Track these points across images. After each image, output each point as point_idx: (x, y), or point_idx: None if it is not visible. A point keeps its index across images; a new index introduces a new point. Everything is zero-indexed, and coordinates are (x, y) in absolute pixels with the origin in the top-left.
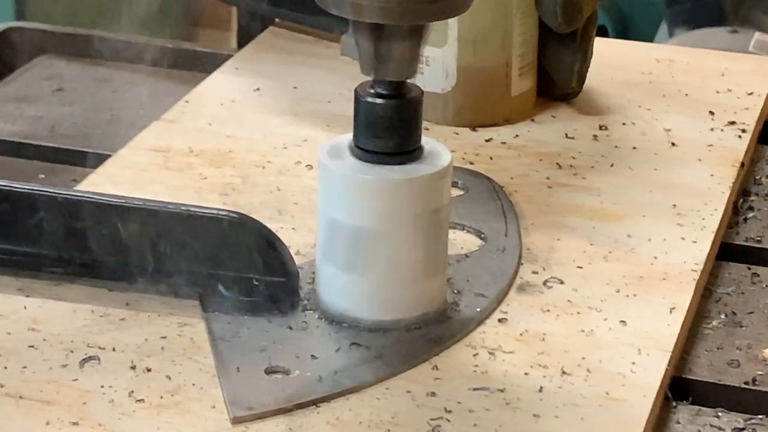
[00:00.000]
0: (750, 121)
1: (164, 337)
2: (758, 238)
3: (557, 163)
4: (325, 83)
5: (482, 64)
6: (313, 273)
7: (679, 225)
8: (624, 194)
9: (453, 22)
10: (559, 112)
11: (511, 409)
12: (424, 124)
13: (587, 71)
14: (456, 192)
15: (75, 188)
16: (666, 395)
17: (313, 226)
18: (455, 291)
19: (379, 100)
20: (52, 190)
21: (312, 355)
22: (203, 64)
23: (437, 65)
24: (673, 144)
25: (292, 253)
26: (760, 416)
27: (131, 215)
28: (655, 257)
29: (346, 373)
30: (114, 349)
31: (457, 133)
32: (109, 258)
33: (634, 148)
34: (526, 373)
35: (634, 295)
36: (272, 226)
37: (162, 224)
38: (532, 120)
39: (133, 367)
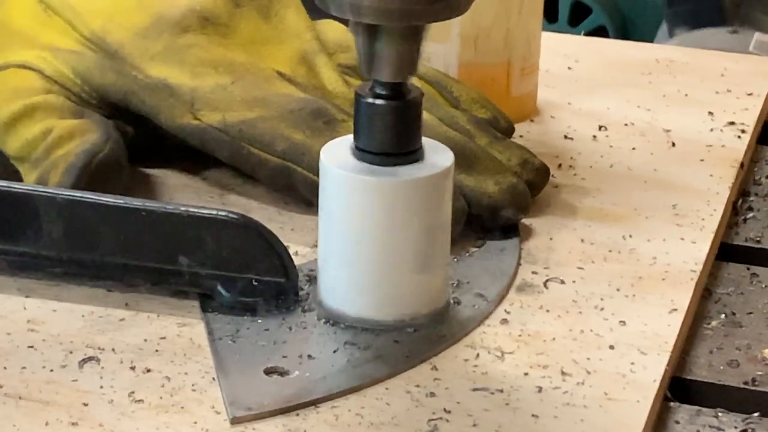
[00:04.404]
0: (750, 121)
1: (164, 338)
2: (758, 239)
3: (557, 164)
4: None
5: (483, 61)
6: (312, 273)
7: (679, 225)
8: (623, 194)
9: (455, 19)
10: (558, 112)
11: (510, 409)
12: None
13: None
14: None
15: None
16: (665, 395)
17: (312, 227)
18: (455, 291)
19: (378, 101)
20: (52, 190)
21: (311, 356)
22: None
23: (438, 61)
24: (672, 144)
25: (291, 254)
26: (756, 414)
27: (131, 215)
28: (655, 257)
29: (346, 373)
30: (113, 350)
31: None
32: (108, 258)
33: (634, 148)
34: (525, 374)
35: (634, 295)
36: (271, 226)
37: (161, 224)
38: (532, 120)
39: (132, 368)
